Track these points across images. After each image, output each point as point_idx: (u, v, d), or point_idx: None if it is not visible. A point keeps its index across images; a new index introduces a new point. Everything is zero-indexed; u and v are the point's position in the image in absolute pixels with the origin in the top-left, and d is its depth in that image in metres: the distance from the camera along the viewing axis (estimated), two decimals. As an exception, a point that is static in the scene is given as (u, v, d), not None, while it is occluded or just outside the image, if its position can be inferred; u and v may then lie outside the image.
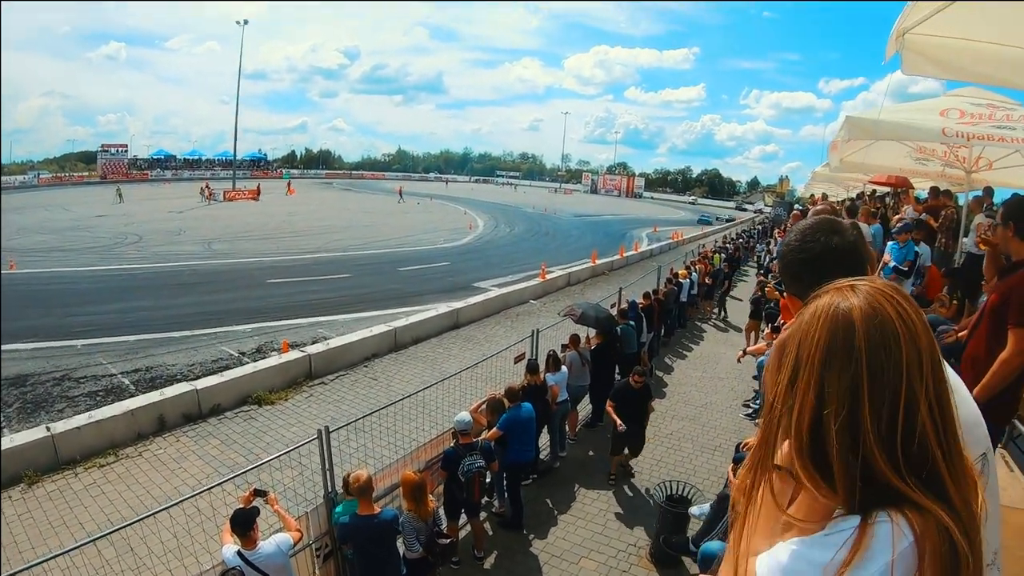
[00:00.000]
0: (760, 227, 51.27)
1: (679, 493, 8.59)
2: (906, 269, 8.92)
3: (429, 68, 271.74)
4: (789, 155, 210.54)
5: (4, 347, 17.53)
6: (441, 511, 7.91)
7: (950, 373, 2.08)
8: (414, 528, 6.92)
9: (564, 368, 11.15)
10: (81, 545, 5.68)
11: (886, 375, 1.24)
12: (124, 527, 5.84)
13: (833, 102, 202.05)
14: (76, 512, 9.72)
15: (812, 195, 27.69)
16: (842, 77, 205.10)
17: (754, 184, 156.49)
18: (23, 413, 13.43)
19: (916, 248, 9.17)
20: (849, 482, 1.30)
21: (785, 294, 2.44)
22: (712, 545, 5.35)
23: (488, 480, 9.51)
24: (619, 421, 10.10)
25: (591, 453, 11.62)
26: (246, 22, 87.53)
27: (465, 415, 8.21)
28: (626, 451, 10.66)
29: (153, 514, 6.04)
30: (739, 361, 13.52)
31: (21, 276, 27.92)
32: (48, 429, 11.11)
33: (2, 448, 9.96)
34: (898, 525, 1.21)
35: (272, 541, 5.85)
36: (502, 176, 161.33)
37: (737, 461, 5.46)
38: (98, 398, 14.18)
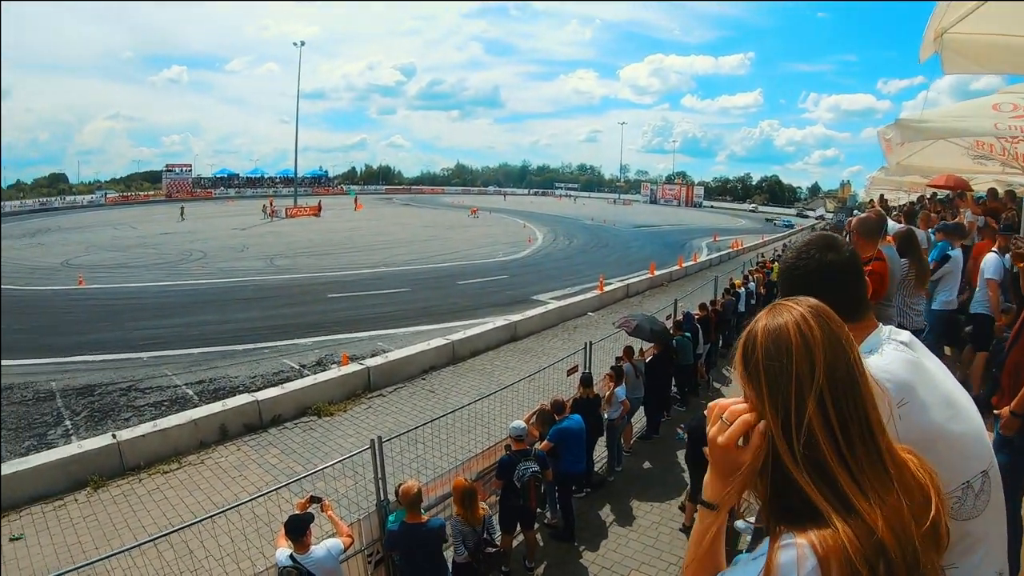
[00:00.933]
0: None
1: (729, 506, 8.48)
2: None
3: (485, 83, 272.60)
4: (850, 159, 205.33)
5: (74, 358, 18.18)
6: (494, 520, 7.91)
7: (955, 389, 2.10)
8: (461, 532, 6.99)
9: (623, 384, 11.11)
10: (141, 544, 5.92)
11: (780, 381, 1.39)
12: (183, 528, 6.07)
13: (893, 102, 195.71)
14: (139, 515, 10.05)
15: (871, 200, 27.01)
16: (901, 77, 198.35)
17: (815, 190, 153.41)
18: (91, 421, 13.92)
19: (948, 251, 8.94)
20: (759, 479, 1.45)
21: None
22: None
23: (543, 489, 9.56)
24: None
25: (646, 465, 11.52)
26: (303, 43, 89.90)
27: (519, 423, 8.27)
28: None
29: (211, 517, 6.24)
30: None
31: (90, 291, 28.98)
32: (114, 436, 11.51)
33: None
34: (802, 548, 1.29)
35: (323, 546, 5.99)
36: (561, 188, 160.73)
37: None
38: (163, 408, 14.62)
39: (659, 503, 10.11)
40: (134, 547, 5.87)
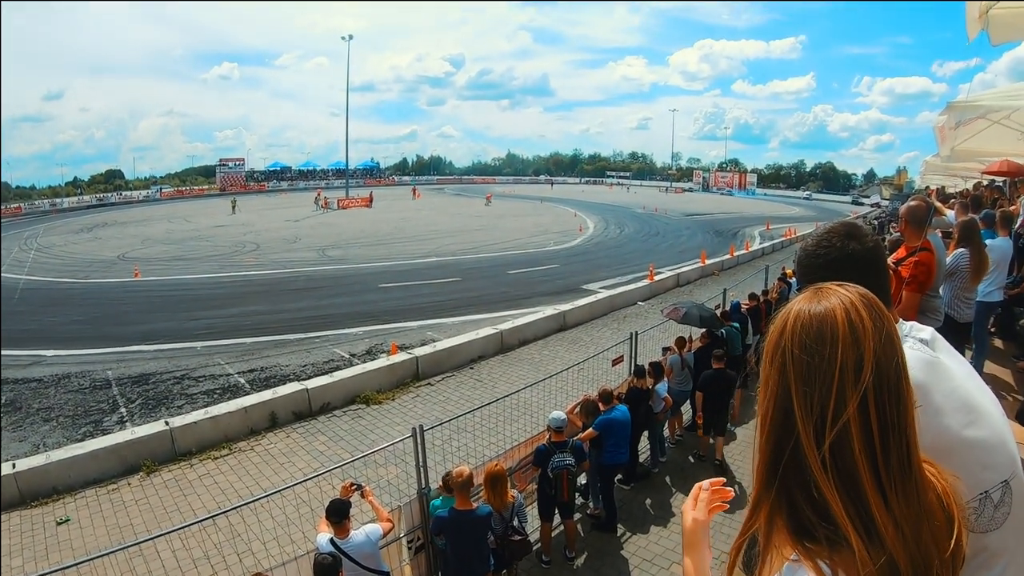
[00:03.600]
0: (876, 222, 49.28)
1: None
2: None
3: (534, 71, 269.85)
4: (906, 144, 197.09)
5: (130, 348, 18.64)
6: (524, 509, 7.88)
7: (977, 392, 1.92)
8: None
9: (665, 379, 11.06)
10: (189, 525, 6.06)
11: (816, 375, 1.24)
12: (231, 510, 6.19)
13: (949, 85, 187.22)
14: (189, 499, 10.33)
15: (928, 187, 26.29)
16: (956, 59, 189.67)
17: (870, 177, 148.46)
18: (145, 408, 14.30)
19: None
20: (765, 482, 1.34)
21: None
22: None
23: (585, 482, 9.56)
24: (700, 414, 10.96)
25: (691, 459, 11.45)
26: (351, 37, 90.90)
27: (559, 414, 8.26)
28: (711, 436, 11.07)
29: (258, 500, 6.38)
30: None
31: (145, 283, 29.85)
32: (167, 423, 11.85)
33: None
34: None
35: (362, 531, 6.11)
36: (612, 176, 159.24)
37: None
38: (215, 395, 14.94)
39: (703, 495, 10.00)
40: (183, 528, 6.03)
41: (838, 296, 1.31)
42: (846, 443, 1.21)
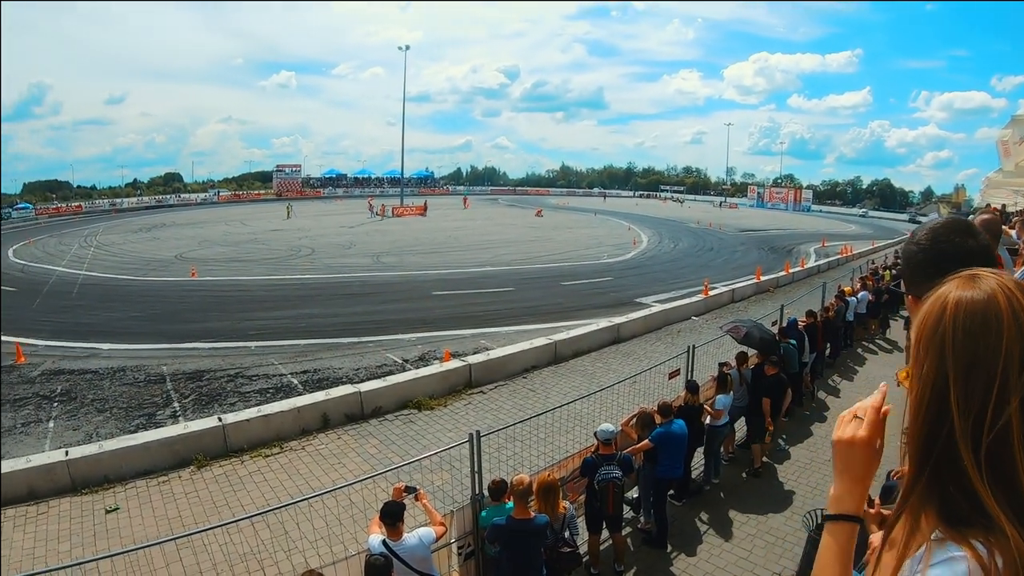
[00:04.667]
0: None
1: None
2: None
3: (589, 84, 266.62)
4: (965, 161, 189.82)
5: (185, 345, 19.00)
6: (577, 521, 7.78)
7: None
8: None
9: (730, 391, 10.88)
10: (238, 520, 6.10)
11: (978, 364, 1.17)
12: (281, 508, 6.22)
13: (1009, 100, 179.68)
14: (239, 495, 10.42)
15: (988, 204, 25.53)
16: (1016, 72, 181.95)
17: (928, 194, 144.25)
18: (198, 404, 14.53)
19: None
20: (916, 469, 1.26)
21: (908, 296, 2.24)
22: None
23: (636, 496, 9.43)
24: (769, 420, 11.26)
25: (744, 475, 11.27)
26: (407, 48, 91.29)
27: (608, 425, 8.17)
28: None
29: (307, 499, 6.38)
30: (899, 385, 12.75)
31: (202, 283, 30.39)
32: (220, 420, 11.98)
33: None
34: (972, 561, 1.14)
35: (415, 534, 6.06)
36: (666, 190, 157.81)
37: (886, 490, 5.12)
38: (268, 395, 15.08)
39: (756, 514, 9.83)
40: (231, 523, 6.05)
41: (996, 282, 1.23)
42: (1004, 436, 1.14)
